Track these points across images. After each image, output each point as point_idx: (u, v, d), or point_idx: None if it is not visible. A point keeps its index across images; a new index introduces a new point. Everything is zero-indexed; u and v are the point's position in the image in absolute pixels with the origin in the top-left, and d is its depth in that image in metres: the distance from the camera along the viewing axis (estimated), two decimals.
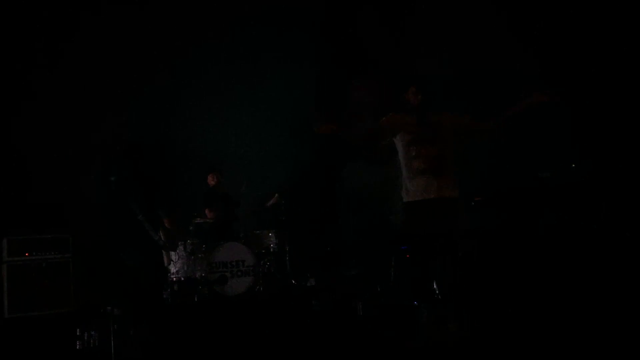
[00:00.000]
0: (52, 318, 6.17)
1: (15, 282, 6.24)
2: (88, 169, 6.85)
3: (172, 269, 6.87)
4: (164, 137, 7.87)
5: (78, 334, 5.17)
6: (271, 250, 7.42)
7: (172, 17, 7.41)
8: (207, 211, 7.54)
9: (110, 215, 5.10)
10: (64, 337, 5.32)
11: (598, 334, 4.33)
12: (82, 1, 7.10)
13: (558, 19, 6.85)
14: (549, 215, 6.13)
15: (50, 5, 7.09)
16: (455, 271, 4.43)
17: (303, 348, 4.95)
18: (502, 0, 6.90)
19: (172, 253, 6.78)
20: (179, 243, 6.89)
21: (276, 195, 7.65)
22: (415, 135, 4.64)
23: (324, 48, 7.97)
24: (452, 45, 7.08)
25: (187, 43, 7.68)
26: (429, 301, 4.50)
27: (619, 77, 6.59)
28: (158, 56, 7.52)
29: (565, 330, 4.54)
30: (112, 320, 4.93)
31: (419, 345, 4.38)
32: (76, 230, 6.61)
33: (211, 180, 7.72)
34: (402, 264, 5.91)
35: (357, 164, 7.49)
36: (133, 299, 4.99)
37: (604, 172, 6.13)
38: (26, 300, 6.20)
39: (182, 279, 6.80)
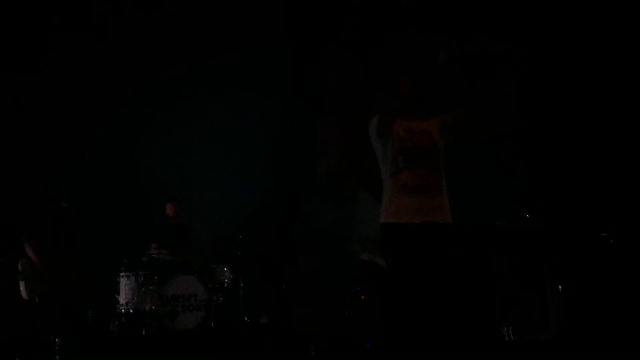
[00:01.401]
0: None
1: None
2: (40, 194, 6.71)
3: (121, 300, 6.70)
4: (125, 166, 7.79)
5: None
6: (225, 285, 7.31)
7: (137, 48, 7.41)
8: (153, 245, 7.25)
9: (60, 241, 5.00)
10: None
11: None
12: (41, 25, 7.06)
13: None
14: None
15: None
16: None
17: None
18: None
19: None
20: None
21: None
22: (407, 142, 3.95)
23: (290, 84, 8.04)
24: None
25: (152, 72, 7.68)
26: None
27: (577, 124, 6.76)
28: (121, 84, 7.49)
29: None
30: (56, 351, 4.79)
31: None
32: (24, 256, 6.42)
33: (169, 211, 7.61)
34: (357, 305, 5.89)
35: (319, 201, 7.50)
36: (78, 330, 4.87)
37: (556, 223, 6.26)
38: None
39: (131, 311, 6.63)
